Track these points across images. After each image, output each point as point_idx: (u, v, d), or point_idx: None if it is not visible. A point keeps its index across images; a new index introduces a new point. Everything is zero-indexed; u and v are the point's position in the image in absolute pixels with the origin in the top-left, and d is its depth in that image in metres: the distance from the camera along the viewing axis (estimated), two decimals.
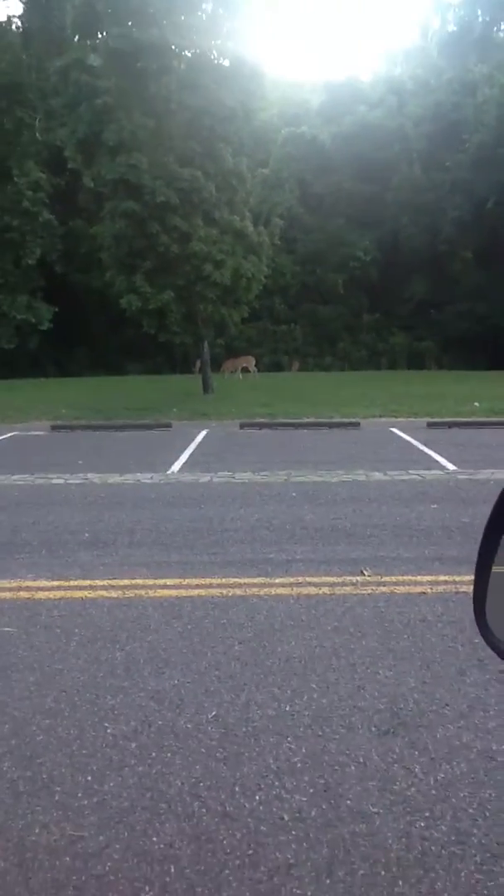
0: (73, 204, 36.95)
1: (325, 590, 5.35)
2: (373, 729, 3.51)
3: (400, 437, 13.80)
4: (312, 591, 5.34)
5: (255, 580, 5.58)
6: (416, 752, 3.31)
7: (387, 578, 5.58)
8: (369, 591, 5.31)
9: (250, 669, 4.13)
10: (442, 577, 5.54)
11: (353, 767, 3.21)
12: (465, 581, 5.41)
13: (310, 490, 8.90)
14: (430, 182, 36.42)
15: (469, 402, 18.69)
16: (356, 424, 15.63)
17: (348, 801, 2.97)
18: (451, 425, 15.39)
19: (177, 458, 11.52)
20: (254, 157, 39.74)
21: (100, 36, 20.25)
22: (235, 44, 21.06)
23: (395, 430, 14.81)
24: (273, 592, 5.31)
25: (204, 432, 14.84)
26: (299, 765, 3.23)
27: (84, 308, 36.41)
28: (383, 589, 5.36)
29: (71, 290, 36.40)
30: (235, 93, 20.18)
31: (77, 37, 20.17)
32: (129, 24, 19.08)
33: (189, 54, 20.41)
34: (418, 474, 9.84)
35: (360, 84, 43.52)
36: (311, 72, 72.69)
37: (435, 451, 11.83)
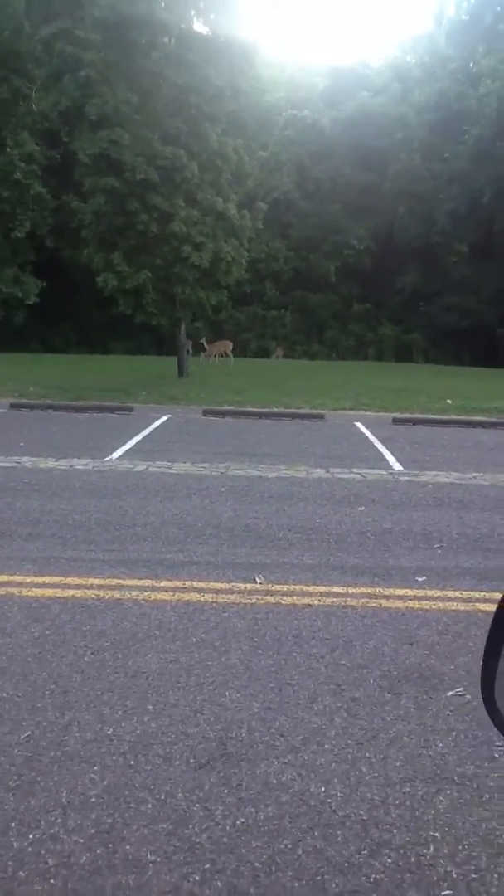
0: (68, 178, 36.40)
1: (209, 597, 5.09)
2: (191, 760, 3.25)
3: (360, 432, 13.53)
4: (194, 597, 5.08)
5: (140, 582, 5.31)
6: (226, 791, 3.05)
7: (277, 587, 5.32)
8: (253, 601, 5.05)
9: (90, 684, 3.87)
10: (335, 589, 5.28)
11: (150, 805, 2.95)
12: (357, 594, 5.17)
13: (242, 485, 8.63)
14: (429, 172, 35.95)
15: (444, 398, 18.41)
16: (321, 416, 15.34)
17: (128, 846, 2.72)
18: (416, 422, 15.13)
19: (123, 444, 11.24)
20: (257, 139, 39.35)
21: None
22: (228, 20, 20.61)
23: (358, 424, 14.53)
24: (152, 597, 5.05)
25: (165, 418, 14.55)
26: (94, 799, 2.97)
27: (73, 284, 35.97)
28: (269, 599, 5.10)
29: (60, 265, 35.95)
30: (223, 71, 19.73)
31: (65, 5, 19.67)
32: None
33: (179, 29, 19.91)
34: (360, 473, 9.57)
35: (365, 70, 42.92)
36: (321, 56, 71.73)
37: (388, 449, 11.57)
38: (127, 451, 10.74)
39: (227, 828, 2.83)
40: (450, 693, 3.88)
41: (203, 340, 31.10)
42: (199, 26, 20.50)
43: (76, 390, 17.85)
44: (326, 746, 3.39)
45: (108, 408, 15.53)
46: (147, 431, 12.69)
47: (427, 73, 40.78)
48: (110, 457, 10.15)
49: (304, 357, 36.73)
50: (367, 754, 3.33)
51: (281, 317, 38.58)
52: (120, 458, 10.17)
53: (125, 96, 18.83)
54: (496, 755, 3.36)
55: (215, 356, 29.87)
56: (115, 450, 10.68)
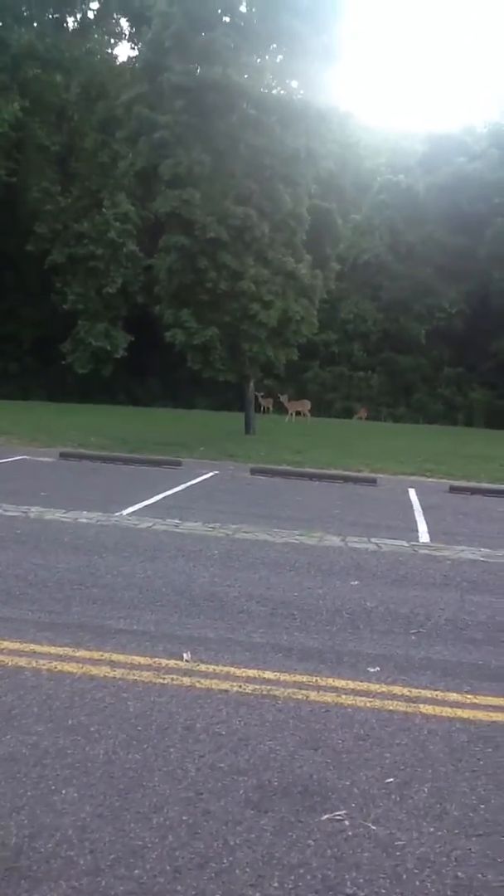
0: (160, 237, 37.56)
1: (119, 672, 4.61)
2: None
3: (406, 500, 12.80)
4: (103, 672, 4.60)
5: (56, 650, 4.89)
6: None
7: (203, 667, 4.78)
8: (165, 682, 4.53)
9: None
10: (266, 674, 4.69)
11: None
12: (288, 682, 4.58)
13: (239, 549, 8.12)
14: None
15: None
16: (372, 481, 14.69)
17: None
18: (474, 491, 14.26)
19: (146, 499, 10.96)
20: (355, 203, 39.59)
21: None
22: (314, 86, 20.80)
23: (411, 490, 13.81)
24: (57, 668, 4.61)
25: (210, 474, 14.27)
26: None
27: (160, 339, 36.73)
28: (184, 680, 4.57)
29: (150, 320, 36.80)
30: (300, 134, 19.85)
31: (144, 71, 20.35)
32: (196, 61, 19.08)
33: (258, 93, 20.21)
34: (378, 543, 8.89)
35: (463, 135, 42.60)
36: (426, 123, 71.94)
37: (427, 519, 10.82)
38: (145, 506, 10.43)
39: None
40: (325, 817, 3.25)
41: (283, 398, 31.01)
42: (279, 90, 20.77)
43: (136, 443, 17.91)
44: (136, 872, 2.83)
45: (156, 461, 15.39)
46: (180, 487, 12.39)
47: None
48: (121, 512, 9.85)
49: (390, 419, 36.05)
50: (179, 887, 2.75)
51: (367, 378, 38.12)
52: (132, 513, 9.85)
53: (199, 157, 19.15)
54: None
55: (292, 414, 29.65)
56: (132, 504, 10.39)
